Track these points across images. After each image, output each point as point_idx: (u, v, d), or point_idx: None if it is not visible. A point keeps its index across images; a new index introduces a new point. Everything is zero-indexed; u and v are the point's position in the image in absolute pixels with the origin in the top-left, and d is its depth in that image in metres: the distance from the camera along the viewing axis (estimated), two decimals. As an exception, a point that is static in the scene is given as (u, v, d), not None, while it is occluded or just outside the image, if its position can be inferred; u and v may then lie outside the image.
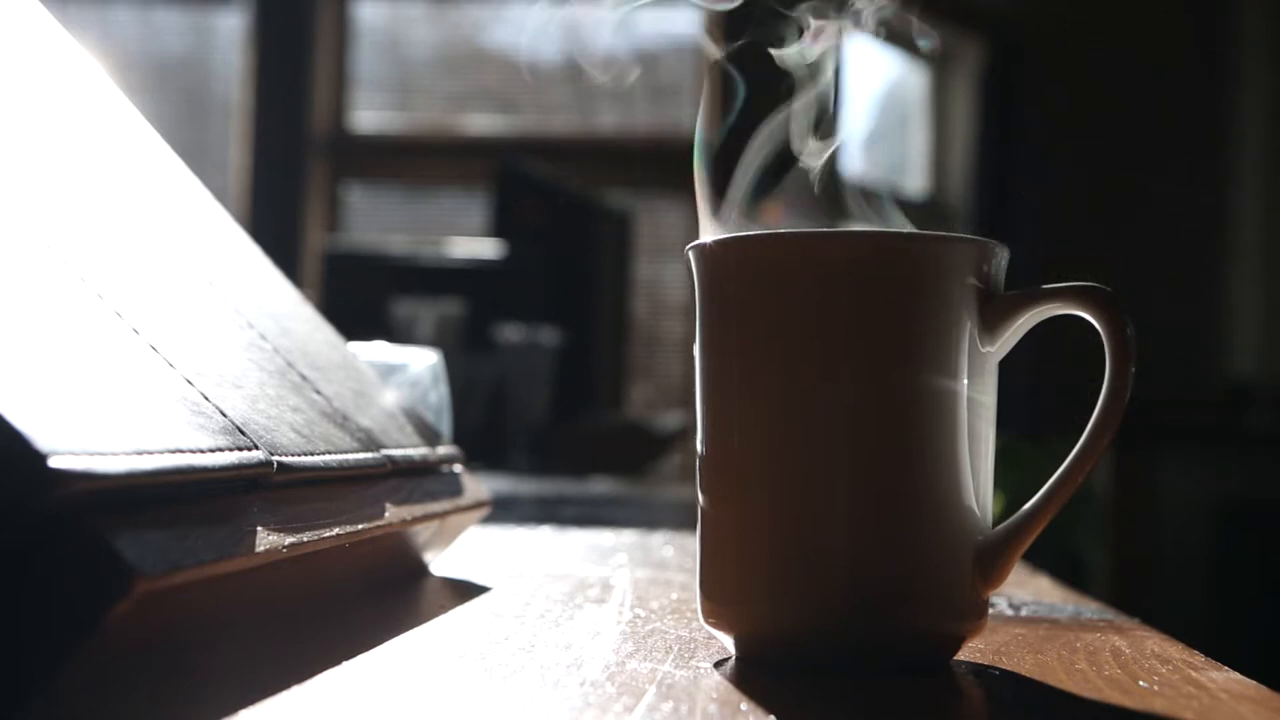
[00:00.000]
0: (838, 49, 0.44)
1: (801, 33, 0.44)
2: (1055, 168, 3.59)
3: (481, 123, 3.70)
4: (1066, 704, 0.36)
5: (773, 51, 0.44)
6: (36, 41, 0.54)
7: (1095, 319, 0.40)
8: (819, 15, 0.44)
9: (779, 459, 0.40)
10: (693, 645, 0.43)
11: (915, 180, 3.82)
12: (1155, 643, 0.46)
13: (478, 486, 0.65)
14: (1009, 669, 0.41)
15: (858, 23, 0.44)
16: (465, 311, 2.14)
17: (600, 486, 1.58)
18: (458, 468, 0.65)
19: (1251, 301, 3.57)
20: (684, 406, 3.24)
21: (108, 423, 0.33)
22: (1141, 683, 0.39)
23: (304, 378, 0.52)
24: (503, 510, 0.92)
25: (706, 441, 0.42)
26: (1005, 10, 3.62)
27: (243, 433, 0.40)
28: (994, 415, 0.42)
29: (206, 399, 0.40)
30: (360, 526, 0.46)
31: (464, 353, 2.02)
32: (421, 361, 0.71)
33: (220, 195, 0.64)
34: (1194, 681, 0.39)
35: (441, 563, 0.63)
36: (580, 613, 0.49)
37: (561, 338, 2.23)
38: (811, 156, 0.45)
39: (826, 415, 0.40)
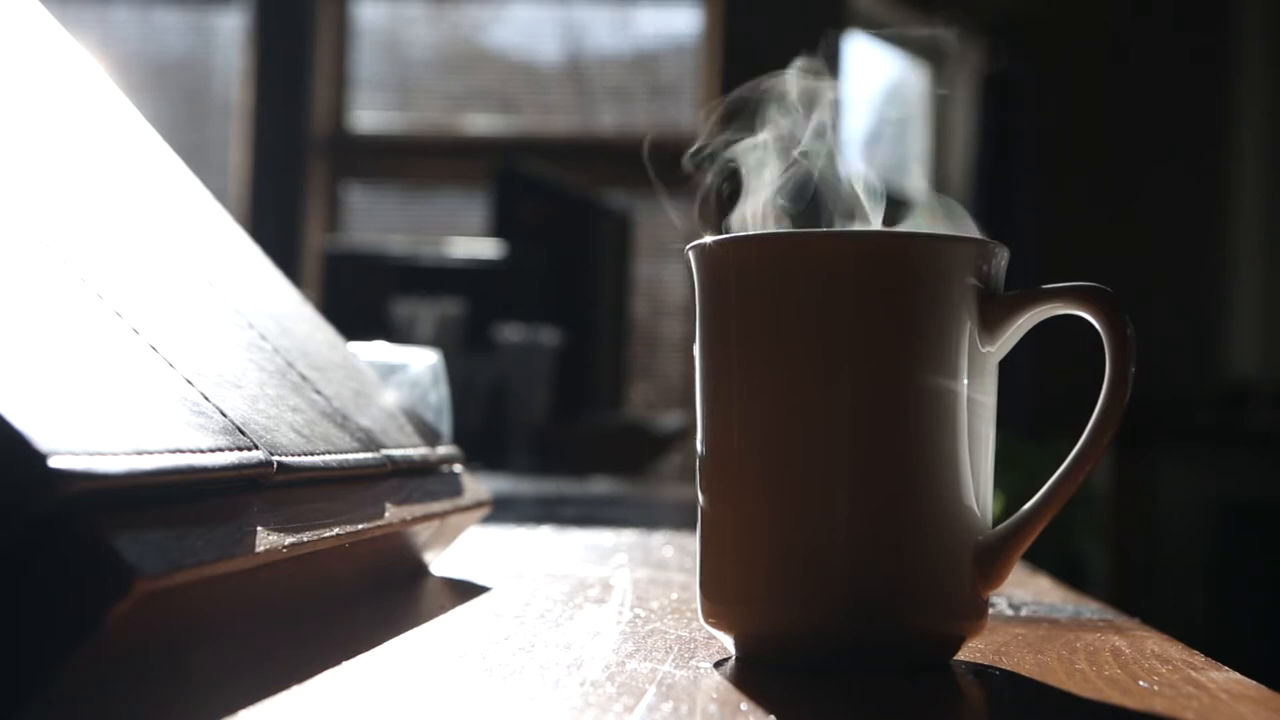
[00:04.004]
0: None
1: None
2: (1055, 168, 3.59)
3: (481, 123, 3.70)
4: (1066, 704, 0.36)
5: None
6: (36, 41, 0.54)
7: (1095, 319, 0.40)
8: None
9: (779, 459, 0.40)
10: (693, 645, 0.43)
11: (915, 180, 3.81)
12: (1155, 643, 0.46)
13: (478, 486, 0.65)
14: (1009, 669, 0.41)
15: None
16: (465, 311, 2.14)
17: (600, 486, 1.58)
18: (458, 468, 0.65)
19: (1251, 302, 3.57)
20: (684, 406, 3.24)
21: (108, 423, 0.33)
22: (1141, 683, 0.39)
23: (304, 378, 0.52)
24: (503, 510, 0.92)
25: (706, 442, 0.42)
26: (1005, 10, 3.62)
27: (243, 433, 0.40)
28: (994, 415, 0.42)
29: (206, 399, 0.40)
30: (360, 526, 0.46)
31: (464, 353, 2.02)
32: (421, 361, 0.71)
33: (220, 196, 0.64)
34: (1194, 681, 0.39)
35: (441, 563, 0.63)
36: (580, 613, 0.49)
37: (561, 338, 2.23)
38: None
39: (826, 415, 0.40)
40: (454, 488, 0.61)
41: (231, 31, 3.70)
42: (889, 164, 0.47)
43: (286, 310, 0.60)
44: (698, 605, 0.43)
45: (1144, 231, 3.54)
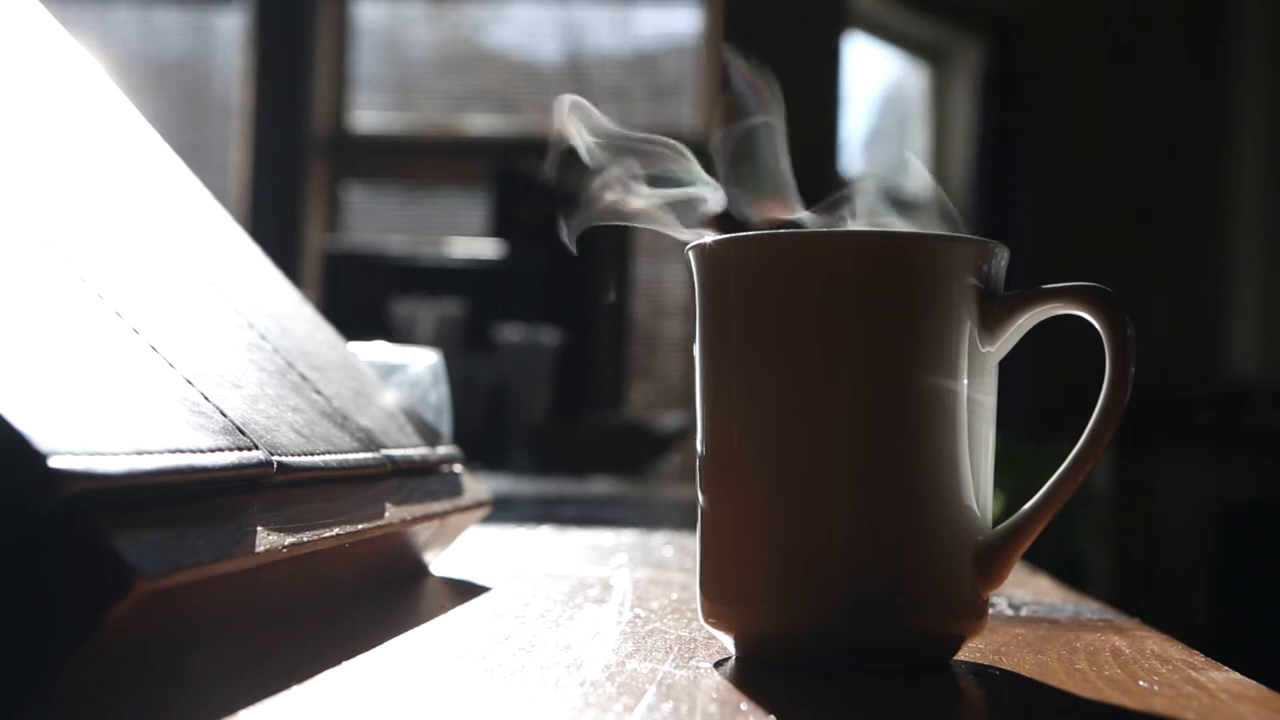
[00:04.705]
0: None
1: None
2: (1055, 168, 3.59)
3: (481, 123, 3.70)
4: (1066, 704, 0.36)
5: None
6: (36, 41, 0.54)
7: (1095, 319, 0.40)
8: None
9: (779, 459, 0.40)
10: (693, 645, 0.43)
11: (915, 180, 3.81)
12: (1155, 643, 0.46)
13: (478, 486, 0.65)
14: (1009, 669, 0.41)
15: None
16: (465, 311, 2.14)
17: (600, 486, 1.58)
18: (458, 468, 0.65)
19: (1251, 302, 3.57)
20: (684, 406, 3.24)
21: (108, 423, 0.33)
22: (1141, 683, 0.39)
23: (304, 378, 0.52)
24: (503, 510, 0.92)
25: (706, 442, 0.42)
26: (1005, 10, 3.62)
27: (243, 433, 0.40)
28: (994, 415, 0.42)
29: (206, 399, 0.40)
30: (360, 526, 0.46)
31: (464, 353, 2.02)
32: (421, 361, 0.71)
33: (220, 196, 0.64)
34: (1194, 681, 0.39)
35: (441, 563, 0.63)
36: (580, 613, 0.49)
37: (561, 338, 2.23)
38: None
39: (826, 415, 0.40)
40: (454, 488, 0.61)
41: (231, 31, 3.70)
42: (889, 163, 0.46)
43: (286, 310, 0.60)
44: (698, 605, 0.43)
45: (1144, 231, 3.55)
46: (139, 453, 0.33)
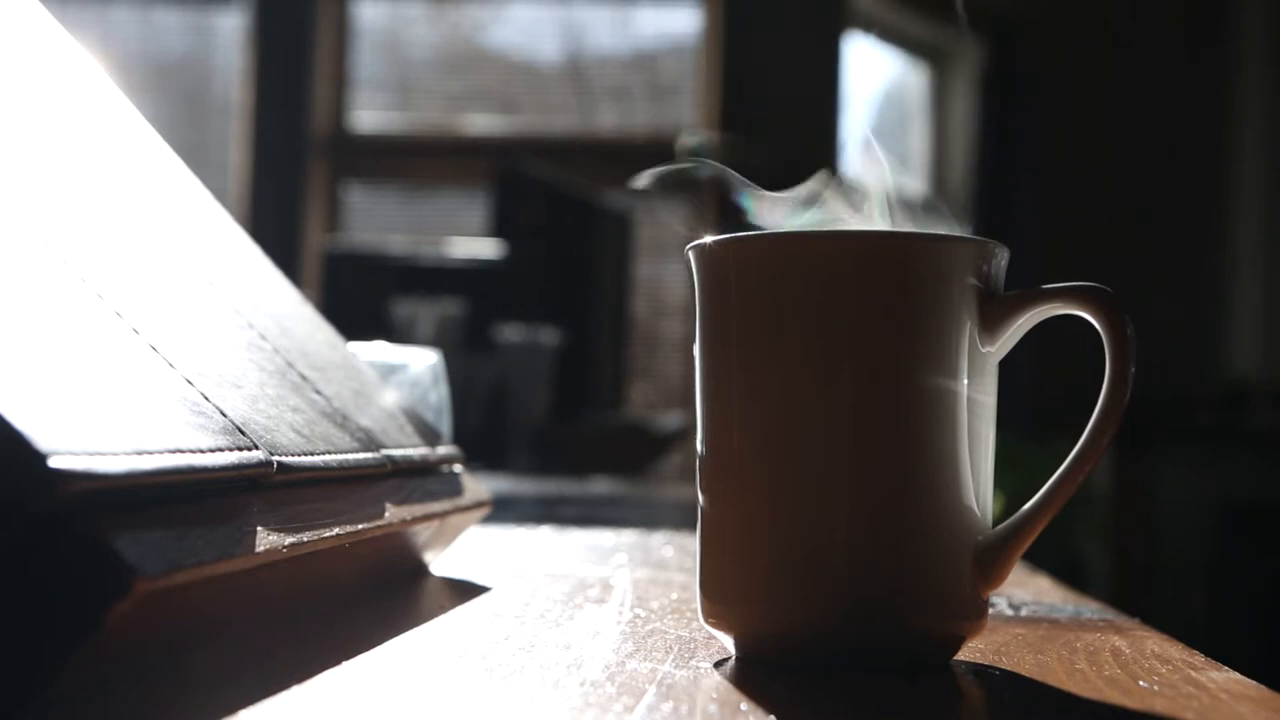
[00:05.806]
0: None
1: None
2: (1055, 168, 3.59)
3: (481, 123, 3.70)
4: (1066, 704, 0.36)
5: None
6: (36, 41, 0.54)
7: (1095, 319, 0.40)
8: None
9: (779, 459, 0.40)
10: (693, 645, 0.43)
11: (915, 180, 3.81)
12: (1155, 643, 0.46)
13: (478, 486, 0.65)
14: (1009, 669, 0.41)
15: None
16: (465, 311, 2.14)
17: (600, 486, 1.58)
18: (458, 468, 0.65)
19: (1251, 301, 3.57)
20: (684, 406, 3.24)
21: (108, 423, 0.33)
22: (1141, 683, 0.39)
23: (304, 378, 0.52)
24: (503, 510, 0.92)
25: (706, 441, 0.42)
26: (1005, 10, 3.62)
27: (243, 433, 0.40)
28: (994, 415, 0.42)
29: (206, 399, 0.40)
30: (360, 526, 0.46)
31: (464, 353, 2.02)
32: (421, 361, 0.71)
33: (220, 196, 0.64)
34: (1194, 681, 0.39)
35: (441, 563, 0.63)
36: (580, 613, 0.49)
37: (561, 338, 2.23)
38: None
39: (826, 415, 0.40)
40: (454, 488, 0.61)
41: (231, 31, 3.70)
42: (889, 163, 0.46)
43: (286, 310, 0.60)
44: (698, 605, 0.43)
45: (1144, 231, 3.54)
46: (139, 453, 0.33)
